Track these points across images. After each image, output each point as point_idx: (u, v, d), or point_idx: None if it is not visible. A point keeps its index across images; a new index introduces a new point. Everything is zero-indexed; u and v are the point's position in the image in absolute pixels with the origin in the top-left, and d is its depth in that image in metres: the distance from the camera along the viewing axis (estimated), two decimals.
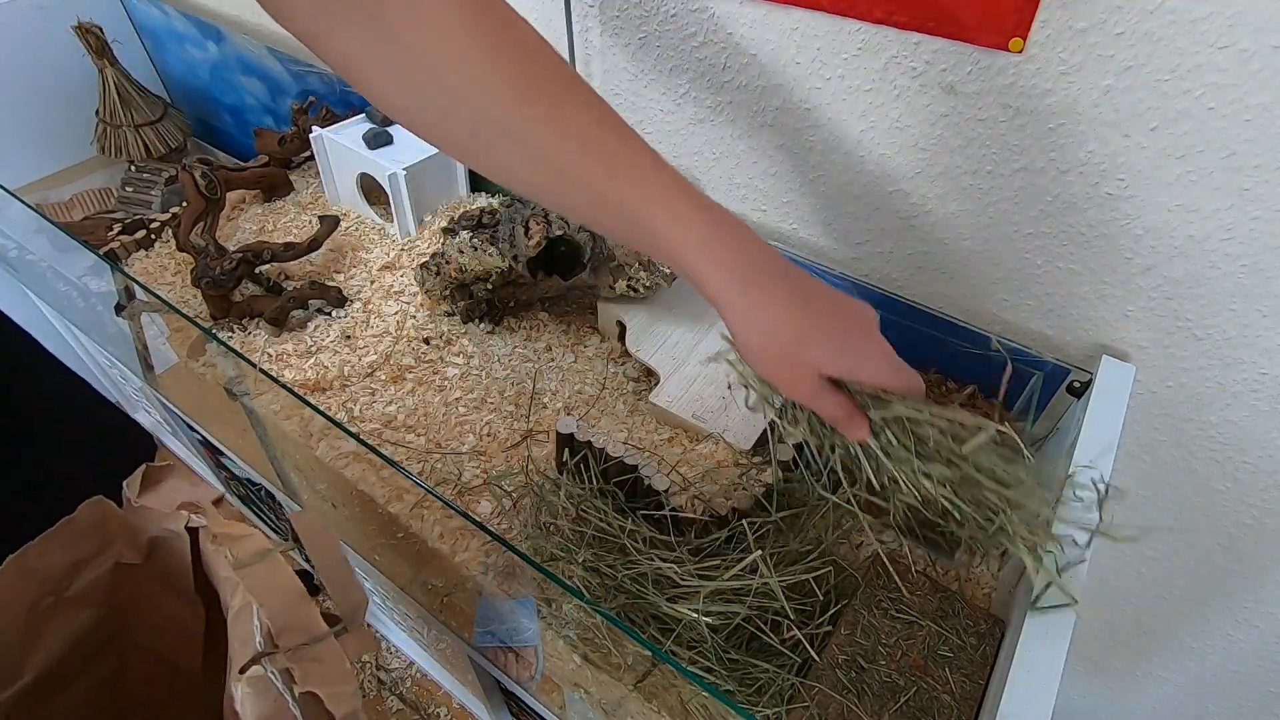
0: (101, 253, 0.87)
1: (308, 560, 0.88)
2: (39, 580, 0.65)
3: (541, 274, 0.77)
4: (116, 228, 0.92)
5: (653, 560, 0.55)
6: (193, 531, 0.71)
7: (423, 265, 0.80)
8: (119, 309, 0.85)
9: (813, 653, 0.51)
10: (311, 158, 1.02)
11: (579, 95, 0.41)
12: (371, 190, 0.96)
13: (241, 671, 0.58)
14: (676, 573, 0.54)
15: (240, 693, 0.57)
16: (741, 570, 0.55)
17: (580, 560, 0.55)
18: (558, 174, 0.41)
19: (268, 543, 0.69)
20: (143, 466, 0.73)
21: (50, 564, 0.66)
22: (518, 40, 0.41)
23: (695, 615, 0.51)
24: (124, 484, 0.72)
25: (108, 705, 0.73)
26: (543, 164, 0.41)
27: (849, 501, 0.49)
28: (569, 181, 0.41)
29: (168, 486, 0.73)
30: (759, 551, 0.56)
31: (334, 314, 0.83)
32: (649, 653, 0.50)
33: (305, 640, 0.62)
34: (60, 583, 0.67)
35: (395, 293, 0.86)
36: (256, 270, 0.85)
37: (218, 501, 0.73)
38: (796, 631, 0.52)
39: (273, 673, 0.59)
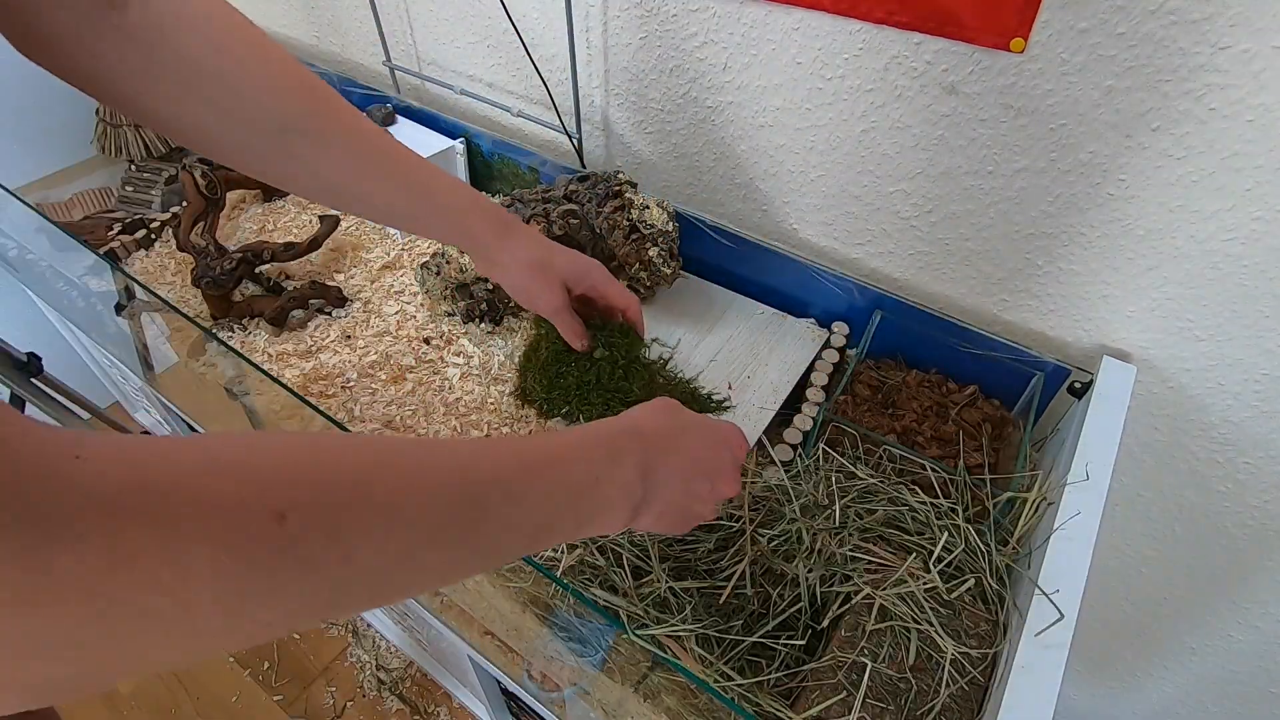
0: (101, 252, 0.87)
1: None
2: None
3: None
4: (116, 227, 0.92)
5: (663, 581, 0.55)
6: None
7: (423, 265, 0.80)
8: (119, 309, 0.85)
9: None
10: None
11: (363, 117, 0.52)
12: None
13: None
14: (678, 591, 0.54)
15: None
16: (734, 574, 0.55)
17: (598, 581, 0.55)
18: (360, 170, 0.50)
19: None
20: None
21: None
22: (305, 70, 0.49)
23: (691, 631, 0.51)
24: None
25: None
26: (345, 163, 0.50)
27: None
28: (371, 173, 0.50)
29: None
30: (756, 547, 0.56)
31: (334, 314, 0.83)
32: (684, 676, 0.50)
33: None
34: None
35: (395, 293, 0.86)
36: (256, 270, 0.85)
37: None
38: (794, 635, 0.52)
39: None
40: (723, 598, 0.54)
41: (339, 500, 0.25)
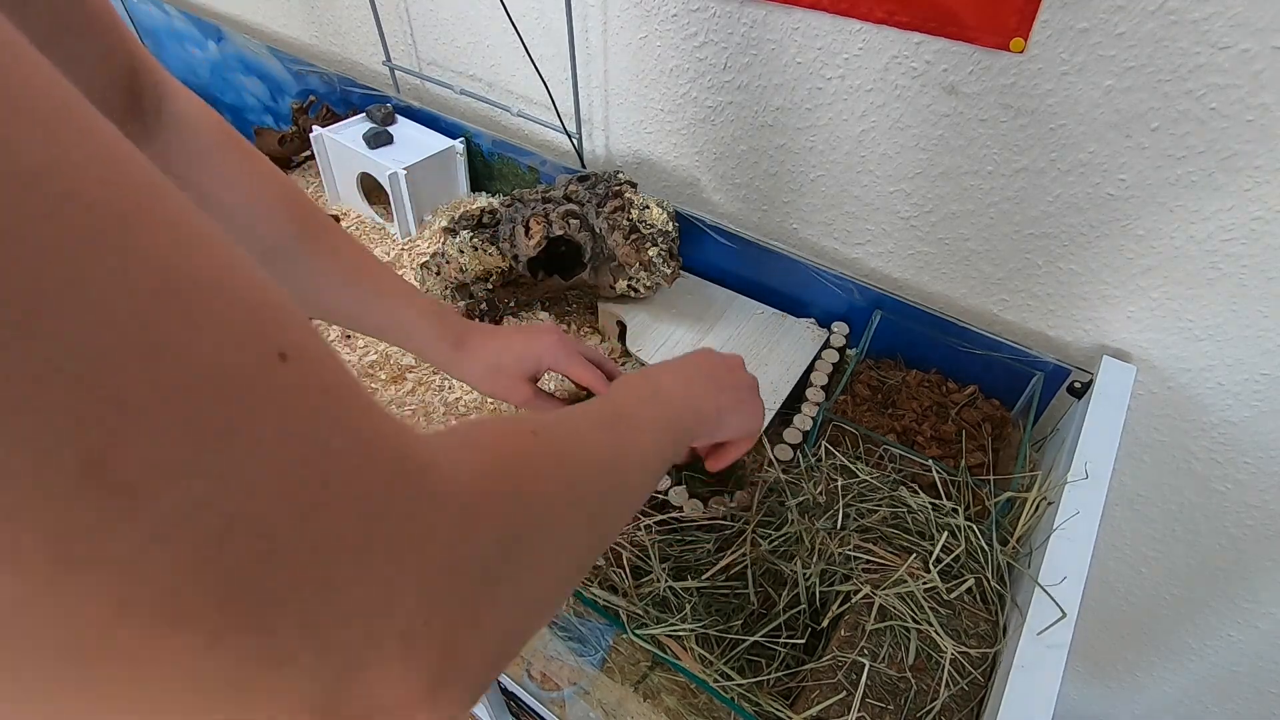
0: None
1: None
2: None
3: (542, 274, 0.77)
4: None
5: (663, 580, 0.55)
6: None
7: (423, 265, 0.80)
8: None
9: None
10: (312, 157, 1.02)
11: (342, 233, 0.54)
12: (372, 190, 0.96)
13: None
14: (679, 592, 0.54)
15: None
16: (732, 572, 0.55)
17: (597, 580, 0.55)
18: (337, 291, 0.53)
19: None
20: None
21: None
22: (289, 184, 0.51)
23: (690, 630, 0.51)
24: None
25: None
26: (323, 284, 0.52)
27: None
28: (346, 295, 0.54)
29: None
30: (756, 548, 0.56)
31: None
32: (688, 679, 0.50)
33: None
34: None
35: None
36: None
37: None
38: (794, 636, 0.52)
39: None
40: (721, 591, 0.54)
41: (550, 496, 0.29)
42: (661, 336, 0.77)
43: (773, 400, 0.71)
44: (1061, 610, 0.47)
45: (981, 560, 0.54)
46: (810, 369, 0.74)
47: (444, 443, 0.22)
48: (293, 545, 0.15)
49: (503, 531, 0.22)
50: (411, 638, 0.18)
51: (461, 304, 0.81)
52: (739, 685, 0.50)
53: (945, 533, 0.55)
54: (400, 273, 0.89)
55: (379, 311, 0.55)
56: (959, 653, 0.49)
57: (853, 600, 0.52)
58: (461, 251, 0.75)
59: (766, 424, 0.69)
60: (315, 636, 0.16)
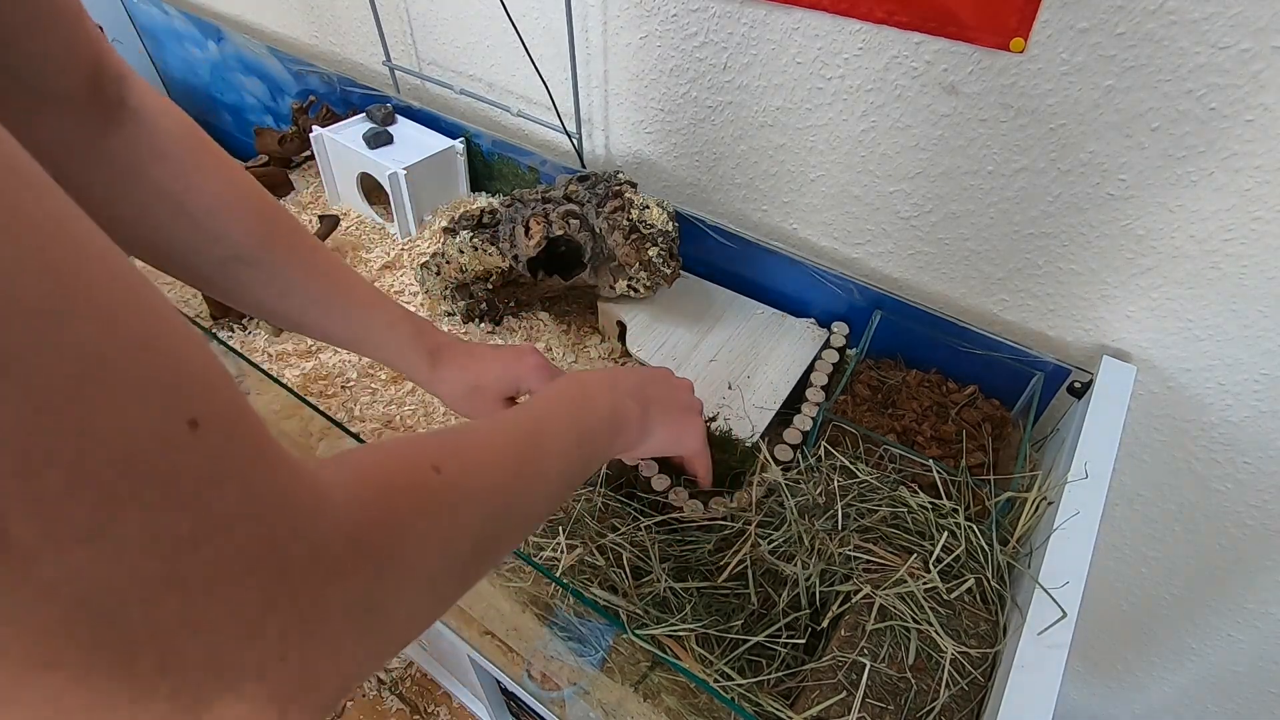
0: None
1: None
2: None
3: (542, 274, 0.77)
4: None
5: (663, 580, 0.55)
6: None
7: (423, 265, 0.80)
8: None
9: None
10: (311, 157, 1.02)
11: (313, 241, 0.52)
12: (372, 190, 0.96)
13: None
14: (678, 590, 0.54)
15: None
16: (734, 574, 0.55)
17: (597, 580, 0.55)
18: (306, 301, 0.51)
19: None
20: None
21: None
22: (257, 188, 0.50)
23: (690, 630, 0.51)
24: None
25: None
26: (291, 294, 0.50)
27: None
28: (316, 305, 0.52)
29: None
30: (756, 548, 0.56)
31: None
32: (688, 679, 0.50)
33: None
34: None
35: (395, 293, 0.86)
36: None
37: None
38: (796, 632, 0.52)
39: None
40: (721, 591, 0.54)
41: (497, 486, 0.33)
42: (661, 336, 0.77)
43: (772, 400, 0.71)
44: (1062, 610, 0.47)
45: (981, 560, 0.54)
46: (810, 369, 0.74)
47: (340, 475, 0.24)
48: (161, 597, 0.16)
49: (381, 566, 0.23)
50: (265, 671, 0.19)
51: (462, 304, 0.81)
52: (739, 685, 0.50)
53: (945, 533, 0.55)
54: (400, 273, 0.89)
55: (351, 324, 0.53)
56: (959, 653, 0.49)
57: (853, 600, 0.52)
58: (461, 251, 0.75)
59: (766, 424, 0.69)
60: (173, 674, 0.17)
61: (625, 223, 0.72)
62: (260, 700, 0.19)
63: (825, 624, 0.52)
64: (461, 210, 0.89)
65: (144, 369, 0.16)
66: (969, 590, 0.52)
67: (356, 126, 0.94)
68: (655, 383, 0.53)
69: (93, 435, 0.15)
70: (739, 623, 0.53)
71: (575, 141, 0.87)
